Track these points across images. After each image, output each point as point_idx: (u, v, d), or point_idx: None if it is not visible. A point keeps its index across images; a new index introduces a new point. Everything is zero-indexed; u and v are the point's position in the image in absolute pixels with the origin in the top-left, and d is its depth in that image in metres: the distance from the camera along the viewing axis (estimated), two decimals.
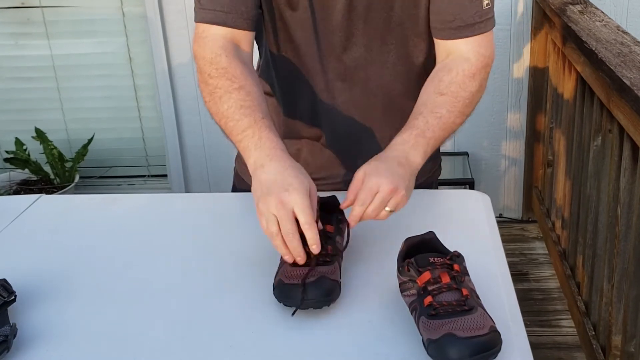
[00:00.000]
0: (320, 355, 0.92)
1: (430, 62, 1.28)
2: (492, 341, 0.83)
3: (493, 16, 1.21)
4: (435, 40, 1.24)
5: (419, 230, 1.01)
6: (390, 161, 1.08)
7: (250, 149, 1.07)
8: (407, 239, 0.99)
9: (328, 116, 1.31)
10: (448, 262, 0.92)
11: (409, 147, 1.11)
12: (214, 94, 1.14)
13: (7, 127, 3.16)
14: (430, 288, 0.90)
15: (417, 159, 1.11)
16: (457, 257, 0.94)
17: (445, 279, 0.90)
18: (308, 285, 0.96)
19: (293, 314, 0.97)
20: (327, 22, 1.21)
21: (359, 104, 1.29)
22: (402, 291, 0.95)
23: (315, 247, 0.96)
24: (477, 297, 0.92)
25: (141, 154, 3.22)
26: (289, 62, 1.26)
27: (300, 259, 0.97)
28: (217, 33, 1.17)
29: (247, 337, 0.95)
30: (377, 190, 1.03)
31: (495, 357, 0.83)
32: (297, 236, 0.97)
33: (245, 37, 1.19)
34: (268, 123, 1.09)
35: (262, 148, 1.06)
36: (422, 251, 0.96)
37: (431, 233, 0.99)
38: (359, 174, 1.06)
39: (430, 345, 0.85)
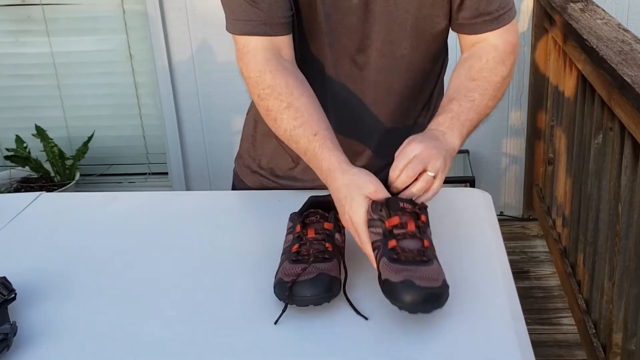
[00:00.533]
0: (319, 353, 0.92)
1: (440, 64, 1.30)
2: (442, 294, 0.91)
3: (514, 5, 1.23)
4: (460, 36, 1.25)
5: None
6: (427, 136, 1.09)
7: (316, 170, 1.11)
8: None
9: (336, 116, 1.30)
10: (417, 211, 0.98)
11: (444, 128, 1.12)
12: (269, 117, 1.16)
13: (7, 125, 3.16)
14: (396, 232, 0.95)
15: (454, 140, 1.12)
16: (425, 208, 1.00)
17: (411, 227, 0.96)
18: (306, 282, 0.96)
19: (282, 312, 0.97)
20: (341, 25, 1.20)
21: (369, 105, 1.29)
22: (369, 227, 0.98)
23: (373, 263, 0.97)
24: (434, 249, 0.97)
25: (142, 152, 3.22)
26: (300, 63, 1.24)
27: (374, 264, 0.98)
28: (258, 46, 1.15)
29: (247, 336, 0.95)
30: (413, 155, 1.03)
31: (440, 308, 0.91)
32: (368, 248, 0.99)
33: (285, 42, 1.17)
34: (321, 139, 1.10)
35: (322, 170, 1.09)
36: None
37: None
38: (399, 152, 1.05)
39: (387, 285, 0.91)
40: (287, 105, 1.12)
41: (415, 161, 1.02)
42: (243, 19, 1.15)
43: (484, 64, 1.20)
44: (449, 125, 1.13)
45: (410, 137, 1.08)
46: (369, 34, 1.20)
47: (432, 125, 1.14)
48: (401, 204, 0.97)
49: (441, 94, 1.37)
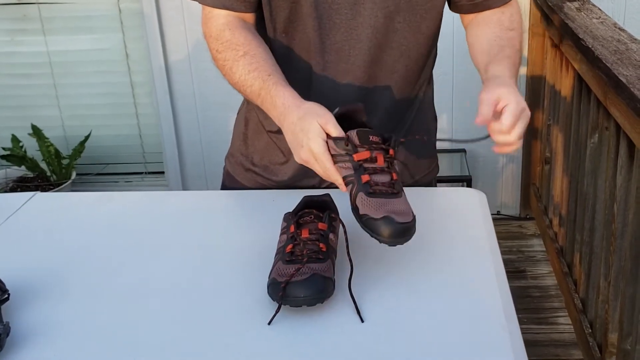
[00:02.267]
0: (313, 353, 0.92)
1: (434, 43, 1.30)
2: (414, 226, 0.97)
3: None
4: (462, 16, 1.30)
5: None
6: (513, 87, 1.10)
7: (270, 110, 1.13)
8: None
9: (325, 99, 1.28)
10: (384, 146, 1.00)
11: (511, 75, 1.15)
12: (224, 67, 1.20)
13: (3, 124, 3.15)
14: (366, 166, 0.98)
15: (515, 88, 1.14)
16: (394, 141, 1.02)
17: (381, 162, 0.99)
18: (299, 283, 0.96)
19: (276, 312, 0.97)
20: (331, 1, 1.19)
21: (359, 86, 1.27)
22: (336, 162, 1.01)
23: (342, 188, 1.01)
24: (400, 181, 1.01)
25: (138, 151, 3.22)
26: (288, 40, 1.24)
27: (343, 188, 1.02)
28: (221, 13, 1.23)
29: (242, 336, 0.95)
30: (521, 117, 1.05)
31: (410, 240, 0.96)
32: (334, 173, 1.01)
33: (248, 16, 1.24)
34: (275, 79, 1.14)
35: (275, 107, 1.11)
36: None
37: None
38: (489, 96, 1.05)
39: (366, 220, 0.96)
40: (244, 53, 1.18)
41: (522, 121, 1.05)
42: None
43: (511, 17, 1.26)
44: (512, 73, 1.16)
45: (501, 86, 1.07)
46: (359, 9, 1.19)
47: (498, 71, 1.15)
48: (371, 137, 1.00)
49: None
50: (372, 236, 0.96)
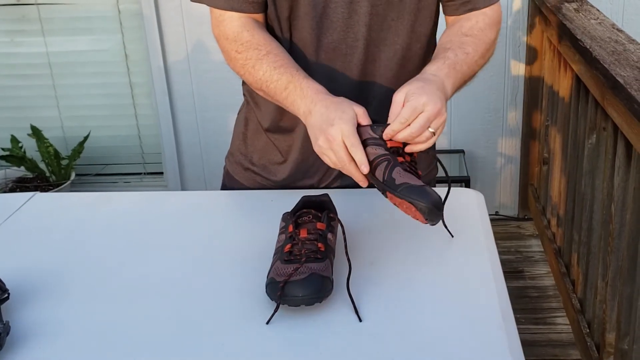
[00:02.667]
0: (311, 353, 0.92)
1: (429, 43, 1.30)
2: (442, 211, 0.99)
3: None
4: (447, 18, 1.29)
5: (411, 227, 1.02)
6: (432, 84, 1.09)
7: (297, 101, 1.13)
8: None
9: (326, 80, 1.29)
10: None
11: (443, 75, 1.13)
12: (246, 66, 1.20)
13: (2, 125, 3.15)
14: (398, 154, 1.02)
15: (449, 89, 1.13)
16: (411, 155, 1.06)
17: (407, 157, 1.04)
18: (298, 282, 0.96)
19: (274, 312, 0.97)
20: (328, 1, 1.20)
21: (355, 84, 1.28)
22: (369, 145, 1.03)
23: (363, 167, 1.01)
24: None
25: (137, 152, 3.22)
26: (290, 39, 1.25)
27: (362, 181, 1.03)
28: (233, 15, 1.22)
29: (239, 335, 0.96)
30: (422, 110, 1.03)
31: (438, 221, 0.98)
32: (352, 162, 1.03)
33: (259, 17, 1.24)
34: (304, 74, 1.15)
35: (306, 97, 1.12)
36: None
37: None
38: (399, 96, 1.06)
39: (407, 187, 0.97)
40: (267, 52, 1.18)
41: (422, 118, 1.03)
42: None
43: (474, 24, 1.24)
44: (446, 73, 1.14)
45: (413, 83, 1.08)
46: (356, 7, 1.20)
47: (430, 69, 1.14)
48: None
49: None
50: (410, 203, 0.96)
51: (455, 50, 1.18)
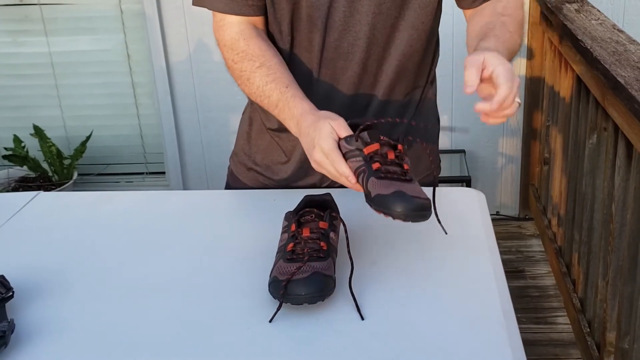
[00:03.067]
0: (314, 351, 0.93)
1: (430, 39, 1.30)
2: (429, 206, 0.97)
3: None
4: (464, 12, 1.28)
5: (413, 226, 1.02)
6: (499, 54, 1.03)
7: (287, 121, 1.16)
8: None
9: (325, 94, 1.29)
10: (393, 142, 1.02)
11: (496, 48, 1.10)
12: (241, 78, 1.22)
13: (5, 124, 3.16)
14: (376, 158, 1.00)
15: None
16: (403, 138, 1.03)
17: (391, 156, 1.01)
18: (301, 281, 0.97)
19: (277, 310, 0.97)
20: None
21: (357, 82, 1.28)
22: (348, 158, 1.02)
23: (350, 179, 1.01)
24: (412, 172, 1.01)
25: (139, 151, 3.23)
26: (291, 41, 1.26)
27: (359, 190, 1.02)
28: (233, 20, 1.23)
29: (242, 334, 0.96)
30: (515, 76, 1.00)
31: (425, 220, 0.96)
32: (342, 176, 1.02)
33: (258, 21, 1.25)
34: (292, 91, 1.16)
35: (293, 117, 1.14)
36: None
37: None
38: (475, 59, 0.99)
39: (378, 198, 0.95)
40: (260, 64, 1.20)
41: (517, 82, 1.00)
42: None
43: (506, 4, 1.24)
44: (500, 49, 1.10)
45: (484, 52, 1.02)
46: (358, 7, 1.21)
47: (484, 45, 1.11)
48: (381, 137, 1.02)
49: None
50: (386, 214, 0.95)
51: (499, 30, 1.17)
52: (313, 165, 1.07)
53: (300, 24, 1.24)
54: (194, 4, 1.27)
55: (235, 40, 1.22)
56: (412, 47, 1.28)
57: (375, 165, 0.99)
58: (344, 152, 1.02)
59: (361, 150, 1.01)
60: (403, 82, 1.31)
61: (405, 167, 1.01)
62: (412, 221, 0.94)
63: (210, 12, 1.27)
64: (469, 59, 1.01)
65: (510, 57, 1.17)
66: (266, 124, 1.37)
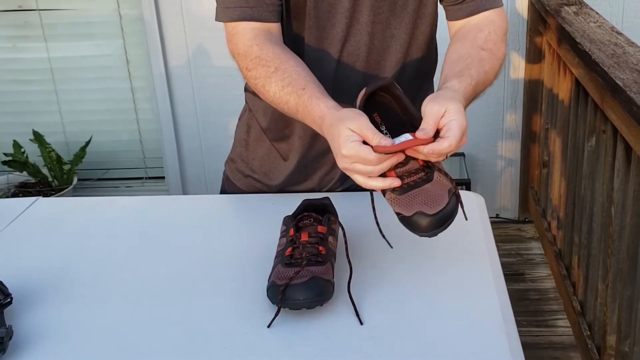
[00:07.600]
0: (312, 356, 0.93)
1: (429, 48, 1.30)
2: (453, 209, 0.96)
3: None
4: (450, 23, 1.25)
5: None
6: (458, 101, 1.02)
7: (312, 127, 1.10)
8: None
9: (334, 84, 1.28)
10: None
11: (467, 96, 1.09)
12: (257, 86, 1.17)
13: (5, 130, 3.17)
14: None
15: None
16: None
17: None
18: (299, 286, 0.97)
19: (275, 315, 0.98)
20: (330, 7, 1.20)
21: (357, 92, 1.28)
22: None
23: (395, 183, 0.97)
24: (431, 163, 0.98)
25: (139, 156, 3.23)
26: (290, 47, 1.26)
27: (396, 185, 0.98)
28: (246, 27, 1.19)
29: (240, 339, 0.96)
30: (465, 134, 0.99)
31: (452, 223, 0.96)
32: (375, 177, 0.98)
33: (274, 27, 1.20)
34: (310, 92, 1.10)
35: (314, 121, 1.08)
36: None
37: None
38: (436, 109, 0.98)
39: (403, 219, 0.96)
40: (275, 69, 1.14)
41: (462, 142, 0.99)
42: (232, 6, 1.18)
43: (487, 36, 1.20)
44: (468, 94, 1.09)
45: (451, 101, 1.00)
46: (357, 16, 1.21)
47: (455, 86, 1.08)
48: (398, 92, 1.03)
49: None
50: (412, 232, 0.97)
51: (478, 69, 1.14)
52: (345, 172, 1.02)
53: (302, 34, 1.23)
54: (216, 19, 1.23)
55: (249, 47, 1.17)
56: (410, 56, 1.28)
57: (391, 174, 0.97)
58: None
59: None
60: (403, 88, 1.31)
61: (420, 162, 0.98)
62: (437, 235, 0.96)
63: (210, 16, 1.26)
64: (430, 109, 0.98)
65: (477, 96, 1.16)
66: (263, 129, 1.37)
